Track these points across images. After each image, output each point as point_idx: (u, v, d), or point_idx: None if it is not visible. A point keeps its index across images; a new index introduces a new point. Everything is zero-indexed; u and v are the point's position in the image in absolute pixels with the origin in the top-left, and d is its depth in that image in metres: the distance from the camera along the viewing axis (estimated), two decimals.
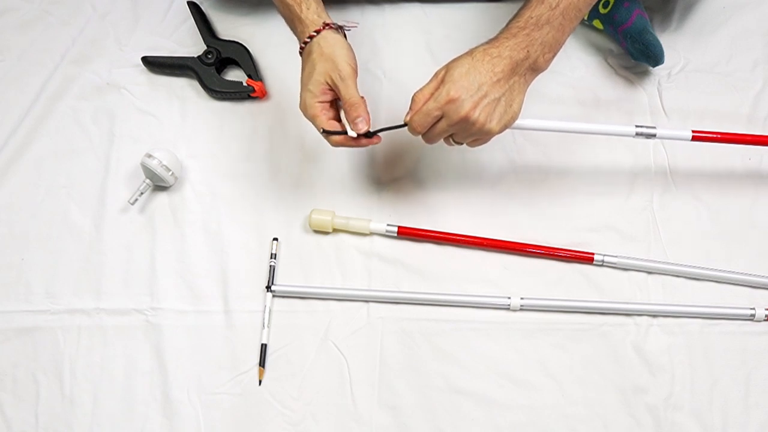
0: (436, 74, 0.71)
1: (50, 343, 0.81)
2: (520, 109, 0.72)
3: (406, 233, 0.85)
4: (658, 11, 0.99)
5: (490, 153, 0.90)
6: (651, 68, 0.95)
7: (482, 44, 0.71)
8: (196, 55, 0.95)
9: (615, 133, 0.80)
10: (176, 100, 0.95)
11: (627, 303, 0.82)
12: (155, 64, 0.96)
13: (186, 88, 0.96)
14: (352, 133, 0.73)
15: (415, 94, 0.71)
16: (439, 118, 0.70)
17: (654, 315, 0.82)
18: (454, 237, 0.85)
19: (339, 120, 0.75)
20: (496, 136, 0.72)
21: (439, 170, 0.90)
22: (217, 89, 0.93)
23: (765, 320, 0.81)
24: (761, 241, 0.86)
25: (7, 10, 1.01)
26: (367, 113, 0.72)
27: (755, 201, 0.88)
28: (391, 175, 0.90)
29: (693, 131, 0.80)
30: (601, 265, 0.84)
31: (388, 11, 1.01)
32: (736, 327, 0.81)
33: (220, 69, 0.95)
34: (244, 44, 0.96)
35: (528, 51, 0.69)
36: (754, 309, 0.81)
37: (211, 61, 0.94)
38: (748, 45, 0.97)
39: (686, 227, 0.87)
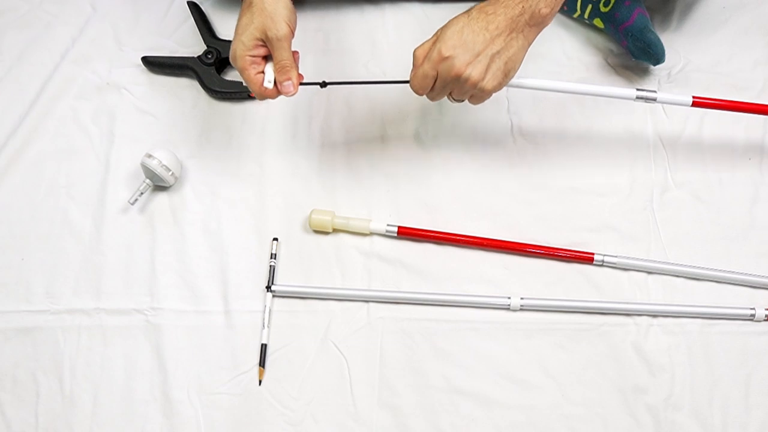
0: (435, 32, 0.71)
1: (50, 343, 0.81)
2: (517, 66, 0.71)
3: (406, 233, 0.85)
4: (658, 11, 0.99)
5: (490, 153, 0.91)
6: (651, 68, 0.95)
7: (479, 3, 0.71)
8: (196, 55, 0.95)
9: (615, 96, 0.79)
10: (176, 100, 0.95)
11: (627, 303, 0.82)
12: (155, 64, 0.96)
13: (186, 88, 0.96)
14: (267, 84, 0.74)
15: (415, 50, 0.72)
16: (437, 77, 0.70)
17: (654, 315, 0.82)
18: (454, 237, 0.85)
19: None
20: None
21: (440, 170, 0.90)
22: (217, 89, 0.93)
23: (765, 320, 0.81)
24: (761, 241, 0.86)
25: (7, 10, 1.01)
26: (297, 75, 0.73)
27: (755, 201, 0.88)
28: (391, 174, 0.90)
29: (693, 97, 0.79)
30: (601, 265, 0.84)
31: (388, 11, 1.00)
32: (736, 327, 0.81)
33: (220, 69, 0.95)
34: None
35: (523, 6, 0.69)
36: (754, 309, 0.81)
37: (211, 61, 0.94)
38: (748, 45, 0.97)
39: (686, 227, 0.87)
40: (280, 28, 0.71)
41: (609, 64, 0.96)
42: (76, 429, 0.77)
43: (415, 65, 0.72)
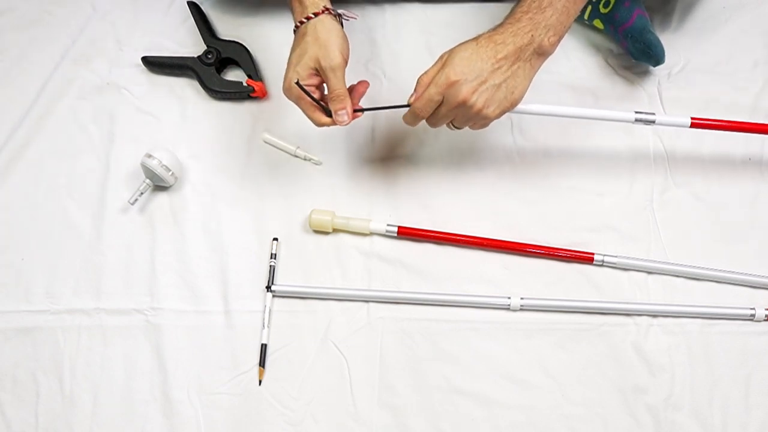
0: (440, 57, 0.71)
1: (50, 343, 0.81)
2: (522, 95, 0.72)
3: (406, 233, 0.85)
4: (658, 11, 0.99)
5: (490, 153, 0.91)
6: (651, 68, 0.95)
7: (488, 30, 0.71)
8: (196, 55, 0.95)
9: (614, 119, 0.80)
10: (176, 100, 0.95)
11: (627, 303, 0.82)
12: (155, 64, 0.96)
13: (186, 88, 0.96)
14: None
15: (420, 77, 0.72)
16: (441, 103, 0.70)
17: (654, 315, 0.82)
18: (454, 237, 0.85)
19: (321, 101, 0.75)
20: (498, 125, 0.72)
21: (440, 170, 0.90)
22: (217, 89, 0.93)
23: (765, 320, 0.81)
24: (761, 241, 0.86)
25: (7, 10, 1.01)
26: (351, 104, 0.73)
27: (755, 201, 0.88)
28: (392, 174, 0.90)
29: (692, 118, 0.80)
30: (601, 265, 0.84)
31: (388, 11, 1.01)
32: (736, 327, 0.81)
33: (220, 69, 0.95)
34: (244, 44, 0.96)
35: (532, 35, 0.69)
36: (754, 309, 0.81)
37: (211, 61, 0.94)
38: (748, 45, 0.97)
39: (686, 227, 0.87)
40: (334, 57, 0.72)
41: (609, 64, 0.96)
42: (76, 429, 0.77)
43: (418, 90, 0.72)
